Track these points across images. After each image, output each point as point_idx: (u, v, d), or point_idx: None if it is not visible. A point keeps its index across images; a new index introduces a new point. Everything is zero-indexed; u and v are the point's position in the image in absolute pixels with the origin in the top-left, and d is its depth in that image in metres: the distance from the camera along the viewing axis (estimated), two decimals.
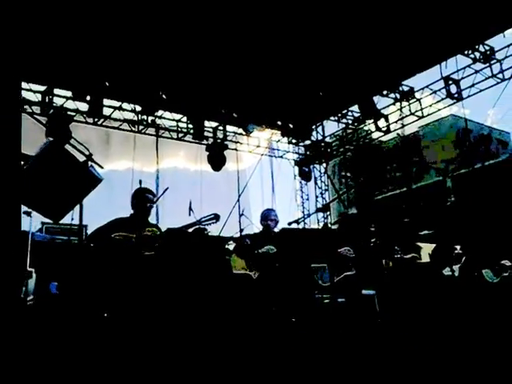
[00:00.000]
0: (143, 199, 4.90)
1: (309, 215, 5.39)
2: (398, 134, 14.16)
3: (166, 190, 5.19)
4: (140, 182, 4.80)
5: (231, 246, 5.70)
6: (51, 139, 3.53)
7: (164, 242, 4.31)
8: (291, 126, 12.17)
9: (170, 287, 4.18)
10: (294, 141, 13.48)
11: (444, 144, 25.10)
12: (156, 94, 10.21)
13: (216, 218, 4.94)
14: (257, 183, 13.59)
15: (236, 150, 12.74)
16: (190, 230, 4.98)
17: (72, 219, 5.31)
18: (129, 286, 4.42)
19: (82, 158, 3.94)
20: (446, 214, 11.78)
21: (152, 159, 14.00)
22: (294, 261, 5.21)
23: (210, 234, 6.46)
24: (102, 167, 4.02)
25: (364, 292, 6.14)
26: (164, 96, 10.51)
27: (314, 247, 5.17)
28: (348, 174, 17.20)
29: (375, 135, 12.80)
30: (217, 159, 11.49)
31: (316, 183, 13.20)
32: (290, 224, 5.66)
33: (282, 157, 13.22)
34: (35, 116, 10.32)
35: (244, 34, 8.98)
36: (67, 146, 3.83)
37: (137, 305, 4.31)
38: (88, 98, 10.13)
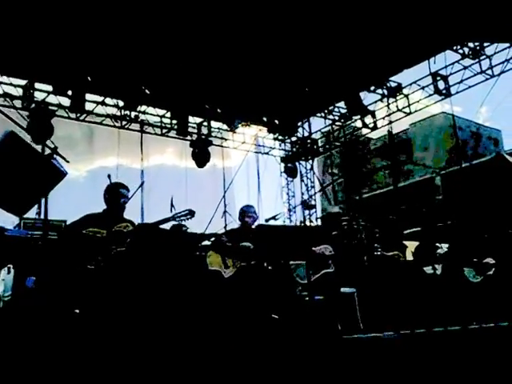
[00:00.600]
0: (116, 194, 4.78)
1: (289, 210, 5.24)
2: (388, 131, 14.09)
3: (142, 184, 5.08)
4: (108, 176, 4.66)
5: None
6: (9, 130, 3.37)
7: (134, 238, 4.18)
8: (277, 122, 12.05)
9: (139, 283, 4.05)
10: (280, 137, 13.37)
11: (434, 141, 25.05)
12: (139, 88, 10.05)
13: (190, 213, 4.82)
14: (243, 180, 13.48)
15: (222, 146, 12.62)
16: (166, 226, 4.89)
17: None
18: (98, 281, 4.32)
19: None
20: (433, 211, 11.71)
21: (145, 156, 13.80)
22: (270, 257, 5.09)
23: (188, 230, 6.37)
24: (67, 161, 3.88)
25: (343, 290, 6.04)
26: (147, 91, 10.38)
27: (291, 244, 5.07)
28: (335, 171, 17.08)
29: (363, 132, 12.68)
30: (201, 156, 11.35)
31: (302, 180, 13.09)
32: (267, 220, 5.55)
33: (267, 153, 13.09)
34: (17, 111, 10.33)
35: (229, 29, 8.84)
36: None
37: (106, 301, 4.20)
38: (70, 92, 10.00)
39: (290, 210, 12.57)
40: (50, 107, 10.15)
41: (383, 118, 11.85)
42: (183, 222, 4.77)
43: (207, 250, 5.51)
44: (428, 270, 6.83)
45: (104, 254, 4.38)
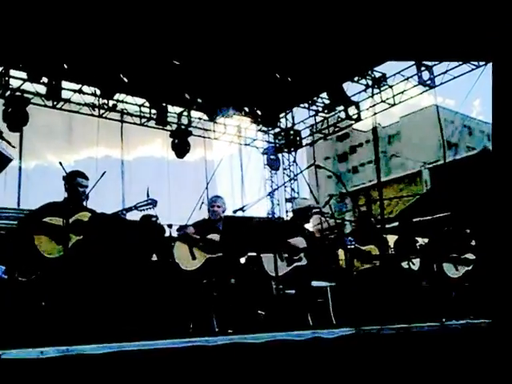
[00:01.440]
0: (73, 183, 4.60)
1: (259, 199, 5.08)
2: (373, 127, 13.92)
3: (104, 174, 4.86)
4: (60, 163, 4.46)
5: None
6: None
7: (89, 228, 3.98)
8: (259, 112, 11.81)
9: (93, 274, 3.86)
10: (264, 129, 13.13)
11: (425, 134, 24.96)
12: (116, 76, 9.79)
13: (153, 203, 4.62)
14: (226, 172, 13.27)
15: (203, 136, 12.36)
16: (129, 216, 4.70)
17: None
18: (56, 270, 4.15)
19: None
20: (417, 207, 11.56)
21: (128, 146, 13.49)
22: (236, 249, 4.90)
23: (159, 220, 6.16)
24: (13, 146, 3.68)
25: (316, 284, 5.87)
26: (125, 79, 10.12)
27: (258, 236, 4.88)
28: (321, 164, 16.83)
29: (344, 123, 12.46)
30: (181, 146, 11.12)
31: (284, 172, 12.89)
32: (235, 212, 5.35)
33: (249, 145, 12.85)
34: None
35: (209, 15, 8.59)
36: None
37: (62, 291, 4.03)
38: (45, 80, 9.75)
39: (273, 203, 12.42)
40: (27, 95, 9.89)
41: (367, 109, 11.64)
42: (150, 212, 4.57)
43: (174, 241, 5.32)
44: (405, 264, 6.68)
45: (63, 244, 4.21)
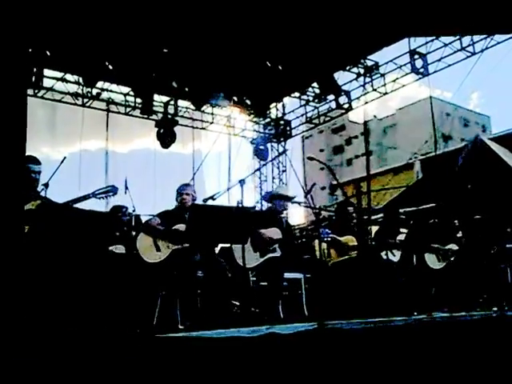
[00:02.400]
0: (25, 169, 4.36)
1: (228, 189, 4.86)
2: (374, 116, 13.73)
3: (64, 160, 4.67)
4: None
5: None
6: None
7: (35, 217, 3.78)
8: (248, 102, 11.59)
9: (39, 265, 3.65)
10: (255, 119, 12.90)
11: (421, 126, 24.73)
12: (99, 63, 9.54)
13: (113, 190, 4.41)
14: (214, 163, 13.08)
15: (192, 127, 12.16)
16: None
17: None
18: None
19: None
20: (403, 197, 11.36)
21: (126, 139, 13.22)
22: (203, 239, 4.68)
23: (129, 211, 5.96)
24: None
25: (290, 275, 5.68)
26: (110, 66, 9.89)
27: (228, 226, 4.66)
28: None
29: (335, 113, 12.23)
30: (166, 136, 10.91)
31: (273, 163, 12.67)
32: (205, 201, 5.15)
33: (237, 135, 12.62)
34: None
35: (198, 1, 8.35)
36: None
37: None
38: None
39: (261, 195, 12.22)
40: None
41: (358, 99, 11.41)
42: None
43: (138, 232, 5.12)
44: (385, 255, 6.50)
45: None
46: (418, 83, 10.89)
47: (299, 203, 5.85)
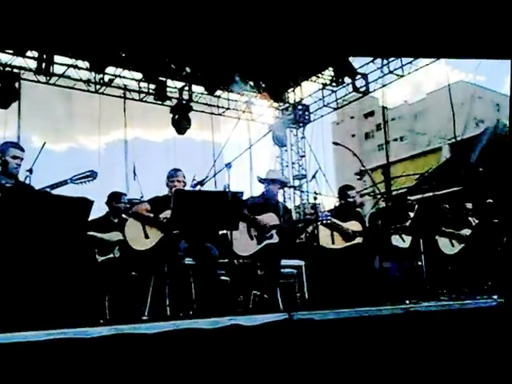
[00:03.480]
0: (6, 154, 4.25)
1: (215, 174, 4.67)
2: (405, 101, 13.33)
3: (44, 145, 4.54)
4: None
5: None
6: None
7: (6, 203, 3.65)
8: (264, 86, 11.33)
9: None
10: (274, 104, 12.63)
11: (451, 111, 23.96)
12: (107, 48, 9.43)
13: (92, 175, 4.26)
14: (234, 150, 12.87)
15: (211, 113, 11.97)
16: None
17: None
18: None
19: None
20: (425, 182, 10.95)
21: (157, 127, 13.10)
22: (188, 226, 4.50)
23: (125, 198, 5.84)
24: None
25: (289, 262, 5.47)
26: (120, 52, 9.77)
27: (215, 211, 4.48)
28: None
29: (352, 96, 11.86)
30: (181, 122, 10.75)
31: (292, 149, 12.40)
32: (194, 186, 4.98)
33: (254, 120, 12.36)
34: None
35: None
36: None
37: None
38: (34, 54, 9.52)
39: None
40: (19, 70, 9.66)
41: (375, 82, 11.03)
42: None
43: (128, 218, 4.98)
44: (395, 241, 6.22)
45: None
46: (450, 67, 10.42)
47: (294, 187, 5.62)
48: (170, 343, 2.60)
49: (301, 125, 12.47)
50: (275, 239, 5.28)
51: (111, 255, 5.52)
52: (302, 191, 10.96)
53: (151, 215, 4.77)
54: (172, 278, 4.56)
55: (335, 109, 12.13)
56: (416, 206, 5.76)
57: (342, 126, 31.87)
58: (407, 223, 6.09)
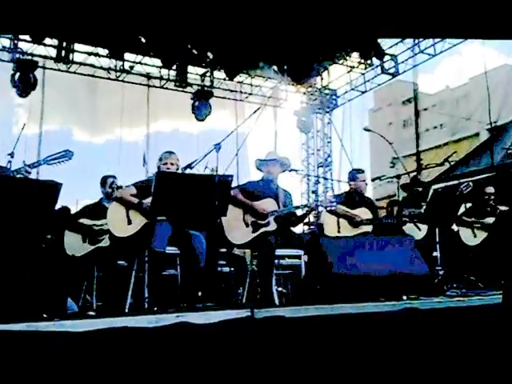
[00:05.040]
0: None
1: (204, 156, 4.36)
2: (447, 86, 12.73)
3: (24, 126, 4.35)
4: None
5: None
6: None
7: None
8: (287, 70, 10.88)
9: None
10: (302, 90, 12.18)
11: (495, 96, 22.91)
12: (126, 34, 9.19)
13: (67, 155, 4.01)
14: (258, 138, 12.56)
15: (234, 99, 11.64)
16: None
17: None
18: None
19: None
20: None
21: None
22: (170, 212, 4.20)
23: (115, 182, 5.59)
24: None
25: (289, 253, 5.10)
26: (142, 39, 9.54)
27: (200, 196, 4.16)
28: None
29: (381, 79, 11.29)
30: (201, 108, 10.47)
31: (318, 135, 11.93)
32: (183, 169, 4.67)
33: (278, 107, 11.93)
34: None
35: None
36: None
37: None
38: (54, 42, 9.42)
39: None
40: (38, 59, 9.58)
41: (404, 63, 10.46)
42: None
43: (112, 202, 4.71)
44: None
45: None
46: (496, 51, 9.82)
47: (296, 171, 5.24)
48: (101, 343, 2.31)
49: (327, 110, 11.99)
50: (272, 227, 4.94)
51: (101, 244, 5.31)
52: (325, 178, 10.56)
53: (135, 200, 4.49)
54: (152, 269, 4.27)
55: (363, 92, 11.58)
56: (430, 193, 5.31)
57: (379, 113, 30.94)
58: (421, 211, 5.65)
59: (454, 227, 6.19)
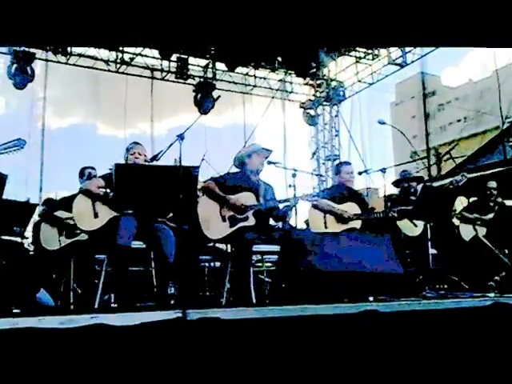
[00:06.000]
0: None
1: (169, 147, 4.10)
2: (470, 79, 12.28)
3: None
4: None
5: None
6: None
7: None
8: (292, 62, 10.61)
9: None
10: (311, 82, 11.85)
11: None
12: (121, 24, 9.02)
13: (18, 144, 3.78)
14: (267, 131, 12.32)
15: (242, 92, 11.38)
16: None
17: None
18: None
19: None
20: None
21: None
22: (132, 205, 3.98)
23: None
24: None
25: (269, 249, 4.82)
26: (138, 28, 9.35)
27: (164, 188, 3.93)
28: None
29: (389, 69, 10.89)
30: (204, 101, 10.23)
31: (325, 128, 11.58)
32: (151, 160, 4.45)
33: (286, 99, 11.61)
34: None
35: None
36: None
37: None
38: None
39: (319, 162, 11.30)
40: (36, 50, 9.47)
41: (411, 52, 10.06)
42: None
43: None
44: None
45: None
46: None
47: (274, 163, 4.94)
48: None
49: (335, 102, 11.62)
50: (251, 222, 4.66)
51: (78, 237, 5.14)
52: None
53: (101, 192, 4.27)
54: (116, 264, 4.06)
55: (370, 84, 11.20)
56: (419, 188, 4.99)
57: (401, 107, 30.43)
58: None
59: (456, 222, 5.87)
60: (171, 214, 4.79)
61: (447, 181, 5.49)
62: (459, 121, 26.95)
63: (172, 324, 2.41)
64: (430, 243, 4.88)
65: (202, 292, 5.52)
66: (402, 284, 3.80)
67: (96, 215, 4.24)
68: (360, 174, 5.39)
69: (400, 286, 3.75)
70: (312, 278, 3.80)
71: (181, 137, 4.02)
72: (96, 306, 4.06)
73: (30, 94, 9.78)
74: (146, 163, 4.31)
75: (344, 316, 2.80)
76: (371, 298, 3.48)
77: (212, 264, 5.41)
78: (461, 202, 5.62)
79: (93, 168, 5.38)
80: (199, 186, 4.63)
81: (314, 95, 11.65)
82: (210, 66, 10.61)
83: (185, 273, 4.81)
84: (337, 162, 5.71)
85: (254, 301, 4.47)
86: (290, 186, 4.66)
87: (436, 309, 3.00)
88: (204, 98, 10.22)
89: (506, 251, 4.99)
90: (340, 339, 2.62)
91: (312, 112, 11.22)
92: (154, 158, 4.28)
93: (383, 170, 5.10)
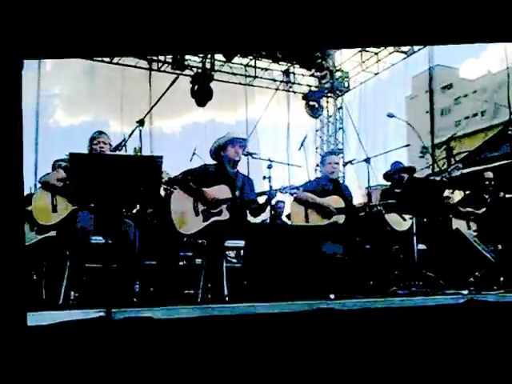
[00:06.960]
0: None
1: (130, 135, 3.85)
2: (488, 71, 11.90)
3: None
4: None
5: None
6: None
7: None
8: (293, 51, 10.28)
9: None
10: (316, 73, 11.51)
11: None
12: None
13: None
14: (269, 124, 12.03)
15: (242, 84, 11.09)
16: None
17: None
18: None
19: None
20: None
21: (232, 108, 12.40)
22: (88, 197, 3.75)
23: None
24: None
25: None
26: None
27: (123, 180, 3.69)
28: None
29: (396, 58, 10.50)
30: (201, 93, 9.96)
31: (329, 121, 11.25)
32: (113, 150, 4.22)
33: (289, 90, 11.27)
34: None
35: None
36: None
37: None
38: None
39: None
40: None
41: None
42: None
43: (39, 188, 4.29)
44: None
45: None
46: None
47: (251, 154, 4.68)
48: None
49: (338, 93, 11.27)
50: (225, 216, 4.42)
51: (50, 233, 4.92)
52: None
53: (60, 184, 4.05)
54: (74, 260, 3.84)
55: (376, 74, 10.83)
56: (405, 180, 4.70)
57: (416, 101, 29.75)
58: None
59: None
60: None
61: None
62: (475, 115, 26.28)
63: (93, 323, 2.19)
64: (415, 238, 4.58)
65: (182, 290, 5.29)
66: (374, 280, 3.54)
67: (54, 209, 4.03)
68: (345, 165, 5.12)
69: (369, 283, 3.48)
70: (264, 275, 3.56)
71: (140, 122, 3.78)
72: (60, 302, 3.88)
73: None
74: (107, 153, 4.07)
75: (297, 314, 2.56)
76: (332, 296, 3.22)
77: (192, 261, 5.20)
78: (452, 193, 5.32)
79: (65, 161, 5.17)
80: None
81: (316, 86, 11.30)
82: (209, 56, 10.32)
83: (161, 270, 4.64)
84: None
85: (227, 298, 4.25)
86: (264, 177, 4.41)
87: (399, 306, 2.75)
88: (201, 90, 9.96)
89: (500, 247, 4.67)
90: (291, 338, 2.39)
91: (315, 104, 10.86)
92: (117, 147, 4.04)
93: (367, 161, 4.81)
